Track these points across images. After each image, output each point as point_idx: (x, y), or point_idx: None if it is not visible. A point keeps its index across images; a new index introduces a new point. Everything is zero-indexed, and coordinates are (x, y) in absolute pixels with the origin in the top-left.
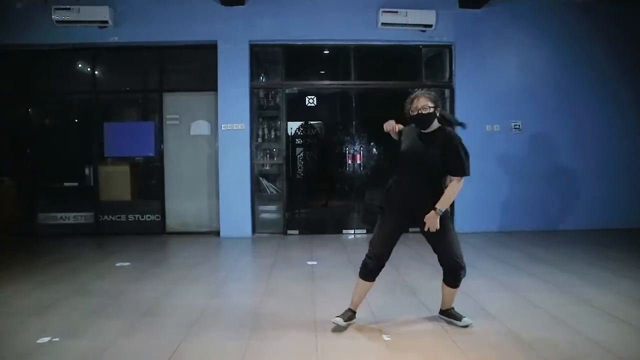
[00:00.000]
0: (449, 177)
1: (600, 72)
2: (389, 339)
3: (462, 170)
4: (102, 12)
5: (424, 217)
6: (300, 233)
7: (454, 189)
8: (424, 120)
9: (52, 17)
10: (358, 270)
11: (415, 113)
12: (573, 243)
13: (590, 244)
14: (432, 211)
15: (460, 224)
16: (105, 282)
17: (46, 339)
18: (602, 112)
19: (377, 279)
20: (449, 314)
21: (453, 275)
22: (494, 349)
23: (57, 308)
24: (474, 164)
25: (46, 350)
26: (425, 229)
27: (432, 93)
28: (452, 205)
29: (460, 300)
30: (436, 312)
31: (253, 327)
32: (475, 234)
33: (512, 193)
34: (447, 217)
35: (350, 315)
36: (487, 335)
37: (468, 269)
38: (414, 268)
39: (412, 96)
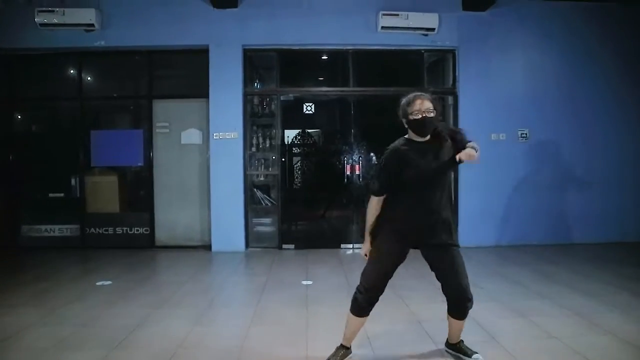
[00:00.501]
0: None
1: (610, 76)
2: None
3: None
4: (88, 15)
5: (436, 237)
6: (296, 247)
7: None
8: (428, 124)
9: (36, 19)
10: (379, 297)
11: (420, 117)
12: (586, 258)
13: (605, 259)
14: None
15: (465, 238)
16: (81, 305)
17: None
18: (613, 119)
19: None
20: (457, 349)
21: (459, 307)
22: None
23: (21, 339)
24: (479, 173)
25: None
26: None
27: (431, 96)
28: (455, 217)
29: (466, 327)
30: (442, 344)
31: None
32: (481, 249)
33: (520, 205)
34: (457, 243)
35: (343, 353)
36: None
37: (474, 289)
38: (415, 289)
39: (411, 98)
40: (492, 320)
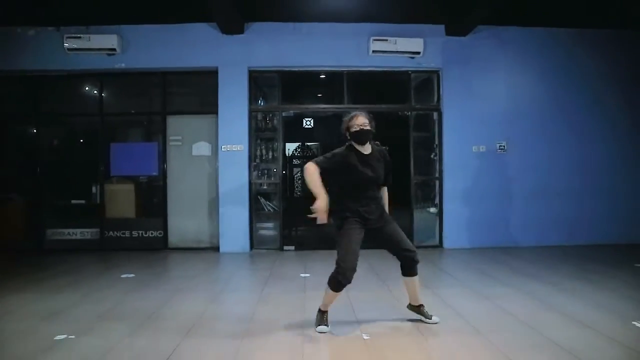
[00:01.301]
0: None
1: (581, 95)
2: (368, 337)
3: (391, 182)
4: (110, 40)
5: (379, 222)
6: (296, 249)
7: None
8: (364, 135)
9: (64, 44)
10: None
11: (357, 129)
12: (555, 256)
13: (572, 257)
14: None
15: (450, 241)
16: (111, 291)
17: (63, 337)
18: (585, 133)
19: (363, 289)
20: (419, 311)
21: (409, 265)
22: (462, 347)
23: (69, 313)
24: (462, 182)
25: (63, 346)
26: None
27: (368, 113)
28: (440, 223)
29: (437, 306)
30: (416, 319)
31: (246, 330)
32: (462, 250)
33: (500, 211)
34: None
35: (325, 316)
36: (458, 336)
37: (450, 280)
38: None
39: (351, 115)
40: (460, 302)
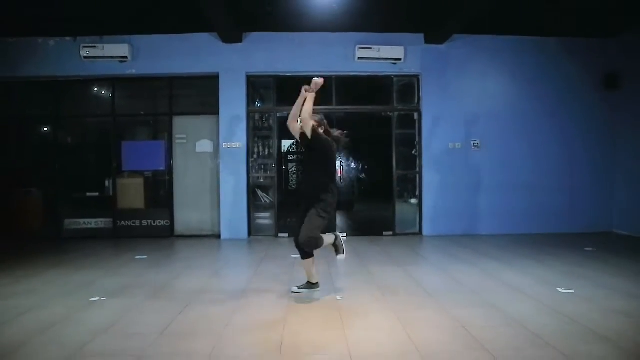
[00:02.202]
0: None
1: (550, 97)
2: (340, 298)
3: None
4: (122, 49)
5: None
6: (289, 236)
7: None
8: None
9: (80, 53)
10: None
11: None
12: (520, 243)
13: (534, 244)
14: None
15: (427, 229)
16: (128, 269)
17: (96, 298)
18: (552, 132)
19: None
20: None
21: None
22: (414, 304)
23: (97, 284)
24: (439, 175)
25: (98, 305)
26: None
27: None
28: (420, 213)
29: (406, 279)
30: (381, 285)
31: (242, 294)
32: (439, 237)
33: (472, 201)
34: (322, 210)
35: (314, 285)
36: (413, 298)
37: (422, 261)
38: (378, 261)
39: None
40: (423, 276)
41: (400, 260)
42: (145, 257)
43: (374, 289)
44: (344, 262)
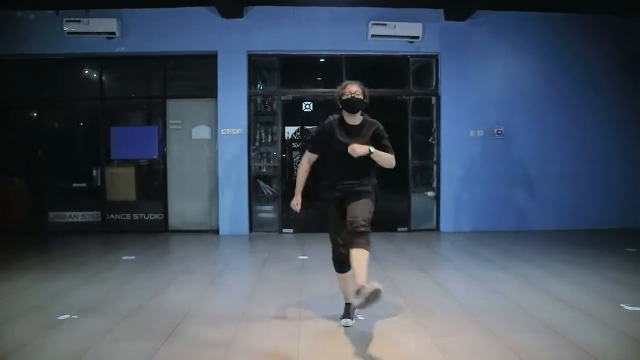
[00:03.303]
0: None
1: (580, 79)
2: (363, 317)
3: (392, 150)
4: (109, 24)
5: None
6: (294, 232)
7: (390, 158)
8: (355, 104)
9: (64, 28)
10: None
11: (349, 96)
12: (549, 241)
13: (564, 242)
14: (367, 147)
15: (445, 224)
16: (114, 273)
17: (66, 316)
18: (583, 117)
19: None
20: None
21: (349, 228)
22: (458, 331)
23: (73, 294)
24: (459, 165)
25: (66, 326)
26: (351, 149)
27: (361, 84)
28: (437, 207)
29: (430, 288)
30: (406, 294)
31: (244, 313)
32: (459, 234)
33: (497, 195)
34: (374, 193)
35: (348, 309)
36: (450, 317)
37: (448, 266)
38: (394, 263)
39: (344, 84)
40: (457, 288)
41: (422, 263)
42: (133, 257)
43: (401, 304)
44: None
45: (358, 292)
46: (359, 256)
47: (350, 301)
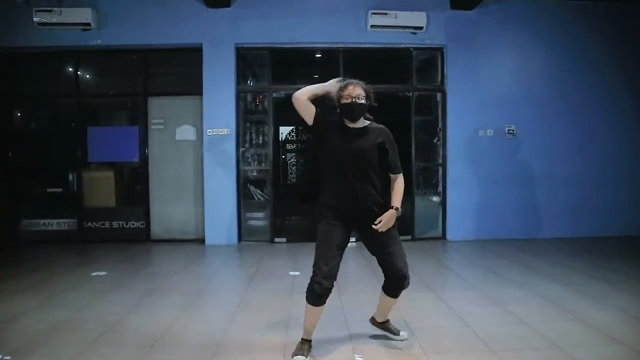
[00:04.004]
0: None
1: (599, 73)
2: (361, 358)
3: (400, 167)
4: (84, 14)
5: (369, 222)
6: (287, 241)
7: (403, 186)
8: (357, 110)
9: (33, 19)
10: (333, 283)
11: (350, 101)
12: (568, 251)
13: (587, 252)
14: (392, 210)
15: (452, 232)
16: (75, 293)
17: None
18: (601, 115)
19: (358, 291)
20: (385, 327)
21: (396, 284)
22: None
23: (20, 323)
24: (465, 168)
25: None
26: (379, 227)
27: (366, 84)
28: (443, 213)
29: (442, 313)
30: (414, 326)
31: (221, 337)
32: (468, 242)
33: (505, 200)
34: (396, 222)
35: (308, 347)
36: (466, 355)
37: (457, 280)
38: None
39: (345, 83)
40: (467, 308)
41: (430, 281)
42: (104, 273)
43: (408, 341)
44: (358, 283)
45: (384, 322)
46: (394, 302)
47: (311, 338)
